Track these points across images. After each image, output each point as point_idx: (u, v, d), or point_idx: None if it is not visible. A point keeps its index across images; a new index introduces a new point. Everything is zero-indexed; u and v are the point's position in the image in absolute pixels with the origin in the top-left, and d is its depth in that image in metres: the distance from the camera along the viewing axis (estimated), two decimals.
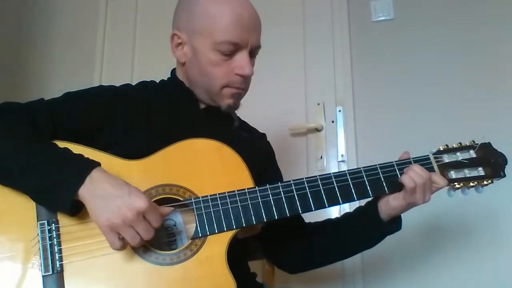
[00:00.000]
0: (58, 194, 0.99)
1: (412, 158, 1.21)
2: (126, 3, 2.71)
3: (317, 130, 2.22)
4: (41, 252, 1.02)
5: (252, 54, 1.26)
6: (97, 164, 1.02)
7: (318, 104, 2.24)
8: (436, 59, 2.15)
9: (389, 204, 1.20)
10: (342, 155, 2.17)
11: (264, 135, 1.50)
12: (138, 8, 2.69)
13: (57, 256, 1.02)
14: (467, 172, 1.20)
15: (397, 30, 2.24)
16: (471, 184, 1.19)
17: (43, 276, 1.01)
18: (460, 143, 1.23)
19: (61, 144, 1.09)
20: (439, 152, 1.22)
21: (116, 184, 1.00)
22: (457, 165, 1.20)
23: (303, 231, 1.35)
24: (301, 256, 1.36)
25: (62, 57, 2.70)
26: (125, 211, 0.96)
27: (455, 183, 1.19)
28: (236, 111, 1.37)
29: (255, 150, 1.34)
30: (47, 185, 1.00)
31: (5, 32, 2.57)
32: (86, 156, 1.05)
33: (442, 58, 2.14)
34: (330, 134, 2.21)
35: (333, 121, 2.22)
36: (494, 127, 1.97)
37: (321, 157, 2.19)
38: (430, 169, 1.19)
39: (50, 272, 1.01)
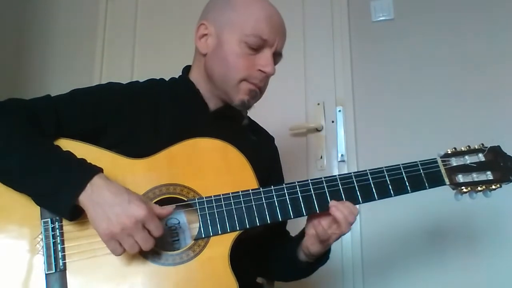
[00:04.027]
0: (58, 200, 0.99)
1: (420, 161, 1.19)
2: (126, 3, 2.71)
3: (317, 130, 2.22)
4: (45, 250, 1.02)
5: (274, 59, 1.27)
6: (99, 170, 1.02)
7: (318, 104, 2.25)
8: (436, 58, 2.15)
9: (309, 250, 1.20)
10: (342, 155, 2.17)
11: (272, 138, 1.50)
12: (138, 8, 2.70)
13: (60, 254, 1.02)
14: (475, 176, 1.18)
15: (397, 30, 2.25)
16: (479, 188, 1.17)
17: (46, 274, 1.01)
18: (469, 146, 1.20)
19: (66, 142, 1.09)
20: (446, 155, 1.20)
21: (116, 192, 0.99)
22: (465, 169, 1.18)
23: (281, 240, 1.37)
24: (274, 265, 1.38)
25: (62, 57, 2.70)
26: (123, 220, 0.96)
27: (463, 187, 1.17)
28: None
29: (262, 154, 1.34)
30: (48, 190, 1.00)
31: (5, 32, 2.56)
32: (91, 155, 1.05)
33: (442, 57, 2.15)
34: (330, 134, 2.22)
35: (333, 121, 2.22)
36: (495, 127, 1.98)
37: (321, 157, 2.20)
38: (437, 173, 1.18)
39: (53, 271, 1.01)
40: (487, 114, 2.02)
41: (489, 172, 1.18)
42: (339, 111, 2.23)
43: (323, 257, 1.25)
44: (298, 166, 2.20)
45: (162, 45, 2.57)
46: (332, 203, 1.12)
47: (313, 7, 2.36)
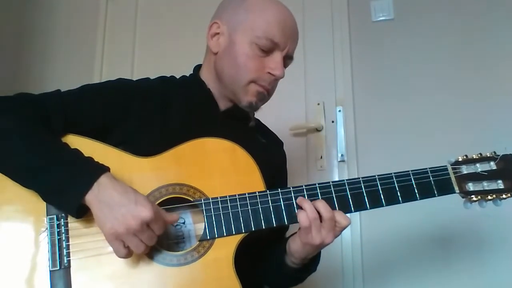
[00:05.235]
0: (65, 198, 0.99)
1: (429, 168, 1.16)
2: (126, 3, 2.71)
3: (317, 130, 2.22)
4: (49, 246, 1.02)
5: (285, 62, 1.28)
6: (106, 169, 1.02)
7: (318, 104, 2.25)
8: (436, 59, 2.16)
9: (290, 248, 1.18)
10: (342, 155, 2.18)
11: (282, 143, 1.50)
12: (138, 8, 2.69)
13: (64, 251, 1.02)
14: (485, 185, 1.16)
15: (397, 30, 2.25)
16: (489, 197, 1.15)
17: (50, 271, 1.01)
18: (480, 154, 1.18)
19: (74, 139, 1.10)
20: (457, 162, 1.18)
21: (122, 192, 0.99)
22: (476, 177, 1.17)
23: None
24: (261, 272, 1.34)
25: (62, 57, 2.69)
26: (129, 220, 0.96)
27: (472, 196, 1.15)
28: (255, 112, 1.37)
29: (271, 157, 1.33)
30: (55, 188, 1.00)
31: (5, 32, 2.55)
32: (98, 152, 1.06)
33: (442, 57, 2.15)
34: (330, 134, 2.22)
35: (333, 121, 2.23)
36: (495, 127, 1.98)
37: (321, 157, 2.20)
38: (447, 181, 1.16)
39: (58, 268, 1.01)
40: (487, 114, 2.02)
41: (500, 181, 1.16)
42: (339, 111, 2.23)
43: (309, 264, 1.22)
44: (298, 166, 2.20)
45: (162, 45, 2.56)
46: (300, 201, 1.11)
47: (313, 7, 2.36)
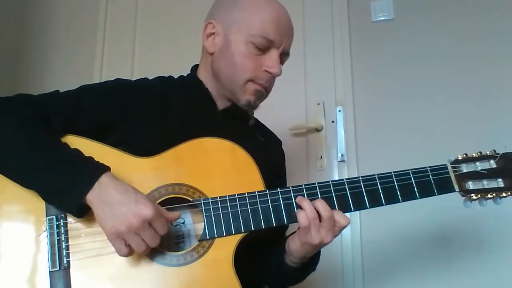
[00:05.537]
0: (66, 197, 1.00)
1: (429, 167, 1.16)
2: (126, 3, 2.70)
3: (317, 130, 2.22)
4: (49, 247, 1.02)
5: (281, 59, 1.28)
6: (107, 169, 1.02)
7: (318, 104, 2.25)
8: (436, 58, 2.16)
9: (289, 247, 1.18)
10: (342, 155, 2.17)
11: (280, 142, 1.50)
12: (138, 8, 2.69)
13: (64, 252, 1.02)
14: (485, 183, 1.16)
15: (397, 30, 2.25)
16: (489, 195, 1.15)
17: (50, 271, 1.01)
18: (480, 152, 1.18)
19: (74, 139, 1.10)
20: (457, 161, 1.18)
21: (123, 191, 0.99)
22: (476, 176, 1.16)
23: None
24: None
25: (62, 57, 2.68)
26: (130, 219, 0.96)
27: (472, 195, 1.15)
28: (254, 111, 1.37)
29: (270, 156, 1.33)
30: (55, 188, 1.00)
31: (5, 32, 2.55)
32: (97, 152, 1.06)
33: (442, 57, 2.15)
34: (330, 134, 2.22)
35: (333, 121, 2.22)
36: (495, 127, 1.98)
37: (321, 157, 2.20)
38: (447, 179, 1.16)
39: (57, 268, 1.02)
40: (487, 114, 2.02)
41: (500, 179, 1.16)
42: (339, 111, 2.23)
43: (308, 264, 1.22)
44: (298, 166, 2.19)
45: (162, 45, 2.56)
46: (299, 201, 1.11)
47: (313, 7, 2.36)
